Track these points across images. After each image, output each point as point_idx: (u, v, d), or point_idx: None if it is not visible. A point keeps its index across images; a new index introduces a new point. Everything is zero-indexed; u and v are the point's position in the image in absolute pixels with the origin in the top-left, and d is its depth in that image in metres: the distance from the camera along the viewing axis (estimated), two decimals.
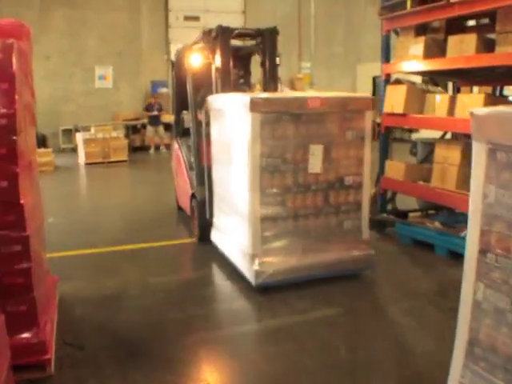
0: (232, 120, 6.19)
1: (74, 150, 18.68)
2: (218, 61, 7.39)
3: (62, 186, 13.59)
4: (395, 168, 7.53)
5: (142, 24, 22.72)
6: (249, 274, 5.77)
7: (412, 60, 7.16)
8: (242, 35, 8.25)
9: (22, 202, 3.76)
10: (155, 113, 20.25)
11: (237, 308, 5.68)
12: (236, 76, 8.28)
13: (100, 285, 6.00)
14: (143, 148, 20.36)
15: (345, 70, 26.14)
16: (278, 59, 8.19)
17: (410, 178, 7.32)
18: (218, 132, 6.82)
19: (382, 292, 6.11)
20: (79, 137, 17.53)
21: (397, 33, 7.96)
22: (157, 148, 20.32)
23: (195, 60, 7.87)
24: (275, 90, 7.84)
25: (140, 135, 21.02)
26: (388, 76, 7.92)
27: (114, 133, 17.51)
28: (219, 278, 6.59)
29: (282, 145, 5.65)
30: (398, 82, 7.70)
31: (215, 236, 7.09)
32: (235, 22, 24.00)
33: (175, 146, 9.49)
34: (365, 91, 25.53)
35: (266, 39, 7.87)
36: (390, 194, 8.10)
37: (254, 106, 5.50)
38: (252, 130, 5.53)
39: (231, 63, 7.47)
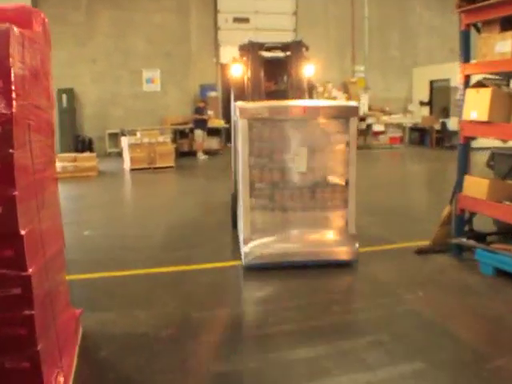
0: (236, 125, 7.12)
1: (120, 154, 18.06)
2: (249, 71, 8.17)
3: (103, 193, 12.94)
4: (476, 185, 6.45)
5: (190, 26, 22.12)
6: (242, 256, 6.57)
7: (498, 59, 6.12)
8: (271, 48, 8.82)
9: (21, 232, 2.92)
10: (205, 117, 19.47)
11: None
12: (273, 85, 8.83)
13: (131, 319, 5.06)
14: (191, 153, 19.65)
15: (400, 74, 25.16)
16: (311, 68, 8.64)
17: (495, 196, 6.24)
18: (235, 137, 7.59)
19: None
20: (124, 141, 16.90)
21: (477, 28, 6.88)
22: (206, 153, 19.55)
23: (235, 70, 8.64)
24: (301, 97, 8.03)
25: (188, 140, 20.31)
26: (467, 78, 6.83)
27: (160, 137, 16.82)
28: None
29: (269, 146, 6.49)
30: (481, 84, 6.59)
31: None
32: (286, 23, 23.33)
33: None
34: (421, 95, 24.62)
35: (293, 51, 8.44)
36: (468, 215, 7.02)
37: (243, 113, 6.41)
38: (242, 134, 6.40)
39: (262, 73, 8.19)
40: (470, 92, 6.48)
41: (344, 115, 6.53)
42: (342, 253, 6.62)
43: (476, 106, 6.27)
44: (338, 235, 6.68)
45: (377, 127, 23.19)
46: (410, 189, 13.10)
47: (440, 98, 23.99)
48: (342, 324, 4.99)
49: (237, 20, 22.63)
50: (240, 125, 6.44)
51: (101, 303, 5.47)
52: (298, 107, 6.61)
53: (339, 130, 6.50)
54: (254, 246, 6.47)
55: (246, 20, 22.76)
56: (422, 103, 24.77)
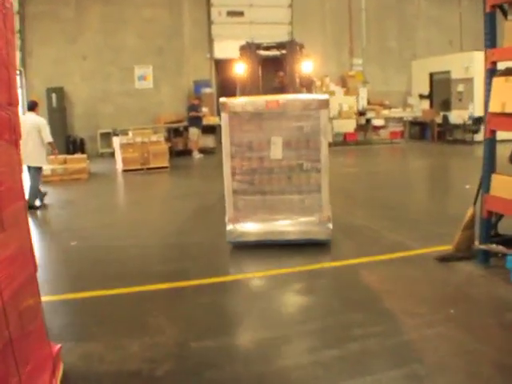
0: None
1: (113, 154, 17.34)
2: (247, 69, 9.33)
3: (93, 197, 12.17)
4: (508, 184, 5.72)
5: (182, 20, 21.53)
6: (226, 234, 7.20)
7: None
8: (268, 48, 9.99)
9: None
10: (199, 114, 18.79)
11: None
12: (273, 81, 9.62)
13: (122, 351, 4.25)
14: (186, 152, 18.96)
15: (399, 67, 24.66)
16: (309, 65, 9.69)
17: None
18: None
19: None
20: (116, 141, 16.19)
21: (503, 11, 6.18)
22: (202, 152, 18.86)
23: (238, 69, 9.87)
24: (294, 92, 8.82)
25: (182, 138, 19.60)
26: (494, 65, 6.08)
27: (153, 137, 16.08)
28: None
29: (248, 136, 7.04)
30: (510, 72, 5.85)
31: None
32: (281, 16, 22.75)
33: None
34: (421, 88, 24.00)
35: (287, 50, 9.48)
36: (495, 217, 6.32)
37: (223, 107, 7.03)
38: (223, 126, 7.07)
39: (259, 71, 9.49)
40: (498, 81, 5.75)
41: (315, 107, 6.99)
42: (317, 233, 7.12)
43: (505, 96, 5.56)
44: (313, 217, 7.12)
45: (377, 122, 22.54)
46: (419, 187, 12.48)
47: (440, 91, 23.42)
48: (368, 353, 4.25)
49: (231, 13, 22.03)
50: (222, 118, 7.17)
51: (86, 331, 4.72)
52: (273, 101, 7.13)
53: (310, 121, 6.99)
54: (236, 226, 7.16)
55: (241, 13, 22.15)
56: (421, 96, 24.23)
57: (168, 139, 18.67)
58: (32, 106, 10.96)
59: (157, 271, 6.37)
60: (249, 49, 9.70)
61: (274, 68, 10.00)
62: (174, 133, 19.58)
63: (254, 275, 6.13)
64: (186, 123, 19.42)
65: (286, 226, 7.15)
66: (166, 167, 15.64)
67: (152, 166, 15.50)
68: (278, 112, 7.02)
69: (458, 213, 7.12)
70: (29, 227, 3.45)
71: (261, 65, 10.17)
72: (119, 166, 15.65)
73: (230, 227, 7.17)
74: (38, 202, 10.63)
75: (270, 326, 4.83)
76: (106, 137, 19.55)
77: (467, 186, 11.42)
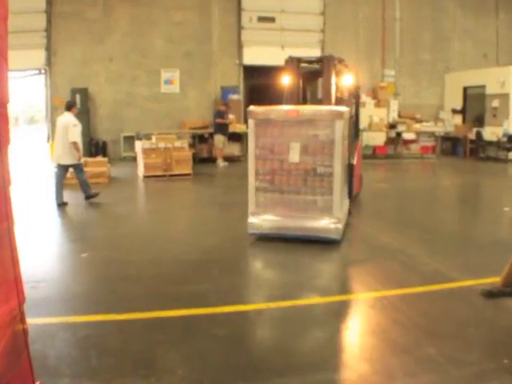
0: None
1: (136, 159, 16.81)
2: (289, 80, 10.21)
3: (110, 204, 11.63)
4: None
5: (212, 24, 21.07)
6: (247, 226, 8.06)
7: None
8: (307, 62, 10.65)
9: None
10: (226, 121, 18.27)
11: None
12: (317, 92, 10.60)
13: None
14: (210, 160, 18.44)
15: (432, 79, 24.09)
16: (349, 79, 10.33)
17: None
18: None
19: None
20: (138, 146, 15.67)
21: None
22: (227, 160, 18.34)
23: (284, 80, 10.35)
24: (329, 104, 9.37)
25: (207, 145, 19.07)
26: None
27: (177, 142, 15.53)
28: None
29: (270, 141, 7.85)
30: None
31: None
32: (313, 23, 22.31)
33: None
34: (454, 103, 23.28)
35: (324, 64, 9.94)
36: None
37: (250, 114, 8.00)
38: (249, 131, 8.00)
39: (299, 82, 10.37)
40: None
41: (331, 118, 7.65)
42: (327, 231, 7.76)
43: None
44: (324, 217, 7.77)
45: (407, 135, 21.80)
46: (454, 207, 11.81)
47: (474, 106, 22.73)
48: None
49: (261, 19, 21.58)
50: (249, 123, 8.07)
51: (86, 364, 4.12)
52: (293, 111, 8.02)
53: (326, 130, 7.63)
54: (257, 219, 8.06)
55: (272, 19, 21.69)
56: (454, 111, 23.55)
57: (192, 145, 18.18)
58: (68, 107, 11.44)
59: (172, 293, 5.78)
60: (291, 62, 10.32)
61: (314, 81, 11.06)
62: (199, 139, 19.03)
63: (279, 305, 5.47)
64: (211, 130, 18.89)
65: (300, 222, 7.84)
66: (189, 174, 15.11)
67: (175, 172, 14.98)
68: (298, 120, 7.76)
69: (500, 238, 6.55)
70: (15, 252, 2.87)
71: (304, 77, 10.91)
72: (141, 171, 15.15)
73: (251, 220, 8.09)
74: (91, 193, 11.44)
75: (297, 367, 4.20)
76: (130, 140, 19.08)
77: (506, 209, 10.78)
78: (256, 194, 8.05)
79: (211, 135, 18.78)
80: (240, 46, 21.48)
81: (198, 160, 17.62)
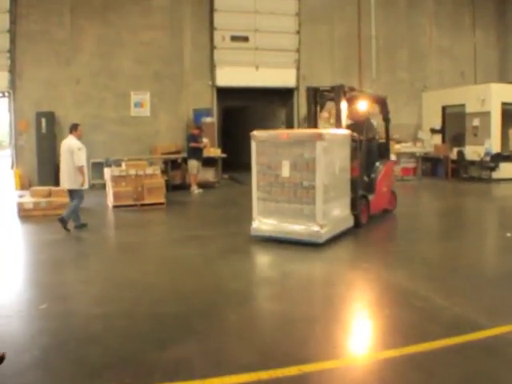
0: None
1: (105, 186, 15.70)
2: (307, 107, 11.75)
3: (75, 239, 10.52)
4: None
5: (183, 44, 20.40)
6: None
7: None
8: (323, 91, 11.65)
9: None
10: (200, 145, 17.32)
11: None
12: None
13: None
14: (184, 186, 17.43)
15: (410, 99, 23.70)
16: (362, 105, 11.59)
17: None
18: None
19: None
20: (107, 173, 14.59)
21: None
22: (201, 186, 17.36)
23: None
24: (339, 127, 10.68)
25: (181, 171, 18.06)
26: None
27: (149, 169, 14.46)
28: None
29: (268, 159, 9.43)
30: None
31: None
32: (288, 42, 21.67)
33: None
34: (433, 122, 22.69)
35: (334, 93, 11.03)
36: None
37: (253, 137, 9.68)
38: (252, 151, 9.67)
39: (315, 109, 11.61)
40: None
41: (312, 139, 9.01)
42: (310, 235, 9.03)
43: None
44: (309, 223, 9.06)
45: None
46: (451, 234, 10.86)
47: (453, 125, 22.24)
48: None
49: (235, 39, 20.91)
50: (252, 145, 9.66)
51: None
52: (283, 133, 9.88)
53: (309, 150, 8.97)
54: (257, 224, 9.61)
55: (245, 39, 21.02)
56: (433, 130, 23.12)
57: (165, 171, 17.19)
58: (70, 129, 11.31)
59: (147, 361, 4.62)
60: (308, 91, 11.62)
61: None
62: (172, 165, 17.97)
63: (284, 373, 4.43)
64: (184, 154, 17.92)
65: (290, 227, 9.24)
66: (161, 203, 14.02)
67: (146, 201, 13.89)
68: (288, 142, 9.29)
69: None
70: None
71: (322, 104, 11.90)
72: (110, 200, 14.06)
73: (253, 225, 9.66)
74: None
75: None
76: (99, 167, 17.99)
77: (509, 234, 10.00)
78: (257, 202, 9.62)
79: (184, 160, 17.81)
80: (213, 67, 20.72)
81: (170, 187, 16.64)
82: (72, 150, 10.84)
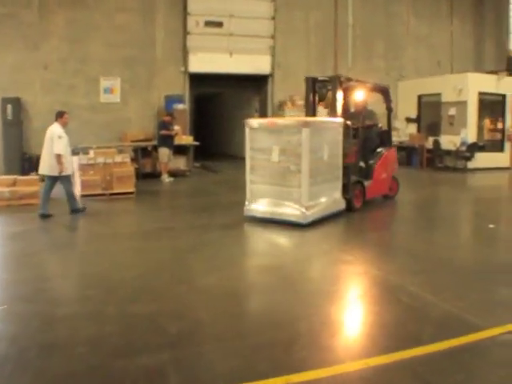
0: None
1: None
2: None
3: (40, 232, 9.97)
4: None
5: (156, 29, 19.75)
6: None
7: None
8: (322, 81, 12.04)
9: None
10: (171, 132, 16.80)
11: None
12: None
13: None
14: (154, 175, 16.89)
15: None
16: (359, 95, 11.82)
17: None
18: None
19: None
20: (75, 161, 13.94)
21: None
22: (172, 175, 16.85)
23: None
24: (334, 116, 11.17)
25: (151, 159, 17.50)
26: None
27: (118, 157, 13.91)
28: None
29: (260, 144, 10.03)
30: None
31: None
32: (263, 29, 21.17)
33: None
34: (408, 111, 22.43)
35: (330, 83, 11.66)
36: None
37: (246, 124, 10.33)
38: (246, 137, 10.31)
39: (313, 98, 12.06)
40: None
41: (298, 126, 9.54)
42: (296, 216, 9.54)
43: None
44: (296, 205, 9.55)
45: None
46: (435, 226, 10.54)
47: (429, 115, 21.99)
48: None
49: (209, 24, 20.38)
50: (245, 131, 10.22)
51: None
52: (271, 121, 10.70)
53: (296, 137, 9.46)
54: (251, 205, 10.15)
55: (220, 24, 20.48)
56: (408, 120, 22.85)
57: (135, 159, 16.63)
58: (56, 116, 11.40)
59: (117, 370, 4.15)
60: (306, 81, 12.04)
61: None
62: (142, 152, 17.39)
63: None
64: (155, 142, 17.37)
65: (280, 209, 9.77)
66: (131, 193, 13.50)
67: (116, 191, 13.35)
68: (277, 129, 9.88)
69: (504, 263, 6.33)
70: None
71: (322, 94, 12.12)
72: (78, 190, 13.45)
73: (247, 206, 10.22)
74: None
75: None
76: None
77: (491, 226, 9.75)
78: (250, 185, 10.20)
79: (155, 148, 17.25)
80: (185, 53, 20.15)
81: (141, 176, 16.11)
82: (52, 138, 10.79)
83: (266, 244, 8.94)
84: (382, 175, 12.27)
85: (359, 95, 11.84)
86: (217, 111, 31.19)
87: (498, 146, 21.56)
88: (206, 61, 20.30)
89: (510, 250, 8.43)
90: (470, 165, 19.91)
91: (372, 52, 23.49)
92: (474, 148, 20.02)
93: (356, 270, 7.14)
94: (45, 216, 10.70)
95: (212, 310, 5.55)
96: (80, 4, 18.58)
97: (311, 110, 11.93)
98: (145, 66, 19.54)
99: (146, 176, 16.66)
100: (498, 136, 21.93)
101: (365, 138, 11.78)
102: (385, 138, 12.81)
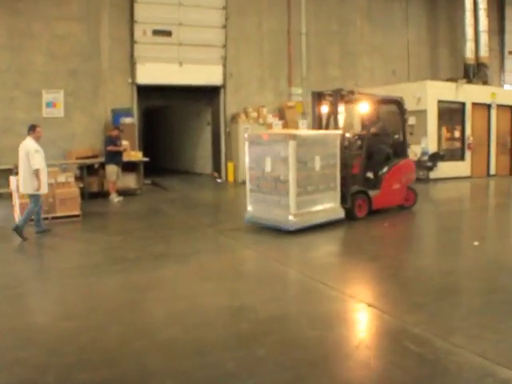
0: None
1: None
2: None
3: None
4: None
5: (101, 38, 18.59)
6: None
7: None
8: (327, 95, 12.33)
9: None
10: (120, 148, 15.65)
11: None
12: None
13: None
14: (102, 194, 15.68)
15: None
16: (363, 107, 12.29)
17: None
18: None
19: None
20: (13, 182, 12.61)
21: None
22: (121, 194, 15.69)
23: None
24: (336, 128, 11.53)
25: (98, 178, 16.26)
26: None
27: (61, 177, 12.59)
28: None
29: (256, 156, 10.70)
30: None
31: None
32: (214, 37, 20.21)
33: None
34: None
35: (332, 97, 12.02)
36: None
37: (246, 138, 11.19)
38: (246, 150, 11.02)
39: (319, 110, 12.49)
40: None
41: (286, 139, 10.07)
42: (284, 223, 10.09)
43: None
44: (284, 211, 10.11)
45: None
46: (417, 244, 9.74)
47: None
48: None
49: (157, 33, 19.33)
50: (245, 145, 11.06)
51: None
52: (265, 134, 11.34)
53: (283, 148, 10.02)
54: (250, 211, 10.92)
55: (168, 33, 19.48)
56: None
57: (81, 178, 15.39)
58: (28, 130, 10.97)
59: None
60: (312, 95, 12.65)
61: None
62: (88, 171, 16.13)
63: None
64: (102, 159, 16.14)
65: (272, 215, 10.34)
66: (76, 216, 12.26)
67: (59, 214, 12.09)
68: (269, 141, 10.49)
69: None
70: None
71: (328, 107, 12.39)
72: (17, 213, 12.08)
73: (247, 211, 10.85)
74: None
75: None
76: (7, 174, 15.91)
77: (476, 243, 8.95)
78: (250, 193, 10.85)
79: (102, 165, 16.04)
80: (133, 63, 19.07)
81: (87, 196, 14.90)
82: (28, 153, 10.41)
83: (233, 273, 7.73)
84: (393, 186, 12.43)
85: (364, 107, 12.25)
86: (167, 125, 30.05)
87: (458, 155, 21.24)
88: (154, 72, 19.24)
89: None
90: (432, 175, 19.48)
91: (327, 60, 22.97)
92: (436, 157, 19.68)
93: (347, 307, 6.12)
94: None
95: (180, 377, 4.43)
96: (18, 11, 17.27)
97: (317, 124, 12.32)
98: (90, 78, 18.35)
99: (93, 196, 15.47)
100: (457, 145, 21.62)
101: (374, 148, 12.17)
102: (399, 149, 12.88)
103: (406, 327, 5.26)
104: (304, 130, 12.62)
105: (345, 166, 11.19)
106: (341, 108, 12.01)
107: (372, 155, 12.19)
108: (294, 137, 10.03)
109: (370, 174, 12.22)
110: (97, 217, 12.93)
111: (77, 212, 12.32)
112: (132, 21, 18.77)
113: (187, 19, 19.70)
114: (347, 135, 11.87)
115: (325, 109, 12.35)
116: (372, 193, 11.81)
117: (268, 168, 10.31)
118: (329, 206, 10.84)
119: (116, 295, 6.72)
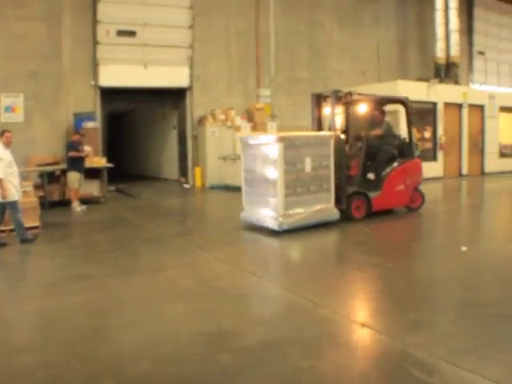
0: None
1: None
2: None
3: None
4: None
5: (62, 38, 17.87)
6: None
7: None
8: (326, 96, 12.22)
9: None
10: (82, 154, 14.88)
11: None
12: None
13: None
14: (64, 203, 14.88)
15: (310, 99, 21.86)
16: (362, 108, 12.72)
17: None
18: None
19: None
20: None
21: None
22: (84, 202, 14.92)
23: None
24: (334, 130, 11.47)
25: (59, 185, 15.43)
26: None
27: None
28: None
29: (250, 159, 10.93)
30: None
31: None
32: (180, 38, 19.58)
33: None
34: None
35: (330, 98, 11.74)
36: None
37: (241, 140, 11.57)
38: (241, 152, 11.50)
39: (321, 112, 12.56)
40: None
41: (274, 141, 10.17)
42: (274, 224, 10.24)
43: None
44: (273, 212, 10.30)
45: None
46: (410, 250, 9.09)
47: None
48: None
49: (121, 33, 18.66)
50: (241, 148, 11.46)
51: None
52: (254, 136, 12.23)
53: (273, 150, 10.17)
54: (245, 212, 11.24)
55: (132, 33, 18.86)
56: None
57: (41, 186, 14.58)
58: None
59: None
60: (312, 96, 12.52)
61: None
62: (49, 178, 15.29)
63: None
64: (64, 166, 15.32)
65: (262, 216, 10.60)
66: (36, 227, 11.38)
67: None
68: (259, 143, 10.71)
69: None
70: None
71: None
72: None
73: (243, 212, 11.25)
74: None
75: None
76: None
77: (464, 248, 8.43)
78: (245, 195, 11.14)
79: (64, 172, 15.21)
80: (95, 65, 18.29)
81: (47, 205, 14.09)
82: None
83: (207, 291, 6.98)
84: (396, 187, 12.25)
85: (362, 108, 12.55)
86: (132, 129, 29.28)
87: (430, 156, 20.93)
88: (118, 73, 18.55)
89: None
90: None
91: (295, 61, 22.60)
92: None
93: (339, 328, 5.47)
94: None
95: None
96: None
97: (316, 125, 12.35)
98: (51, 81, 17.57)
99: (55, 205, 14.64)
100: (428, 145, 21.34)
101: (376, 149, 12.04)
102: (405, 149, 12.62)
103: (407, 350, 4.64)
104: (294, 133, 11.63)
105: (339, 166, 11.08)
106: (338, 109, 11.77)
107: (375, 156, 12.08)
108: (281, 139, 10.09)
109: (370, 175, 11.98)
110: (58, 228, 12.11)
111: (36, 223, 11.45)
112: (95, 20, 18.09)
113: (152, 19, 19.10)
114: (342, 137, 11.61)
115: (327, 111, 12.19)
116: (372, 194, 11.68)
117: (259, 169, 10.54)
118: (321, 207, 10.75)
119: (77, 321, 5.87)
